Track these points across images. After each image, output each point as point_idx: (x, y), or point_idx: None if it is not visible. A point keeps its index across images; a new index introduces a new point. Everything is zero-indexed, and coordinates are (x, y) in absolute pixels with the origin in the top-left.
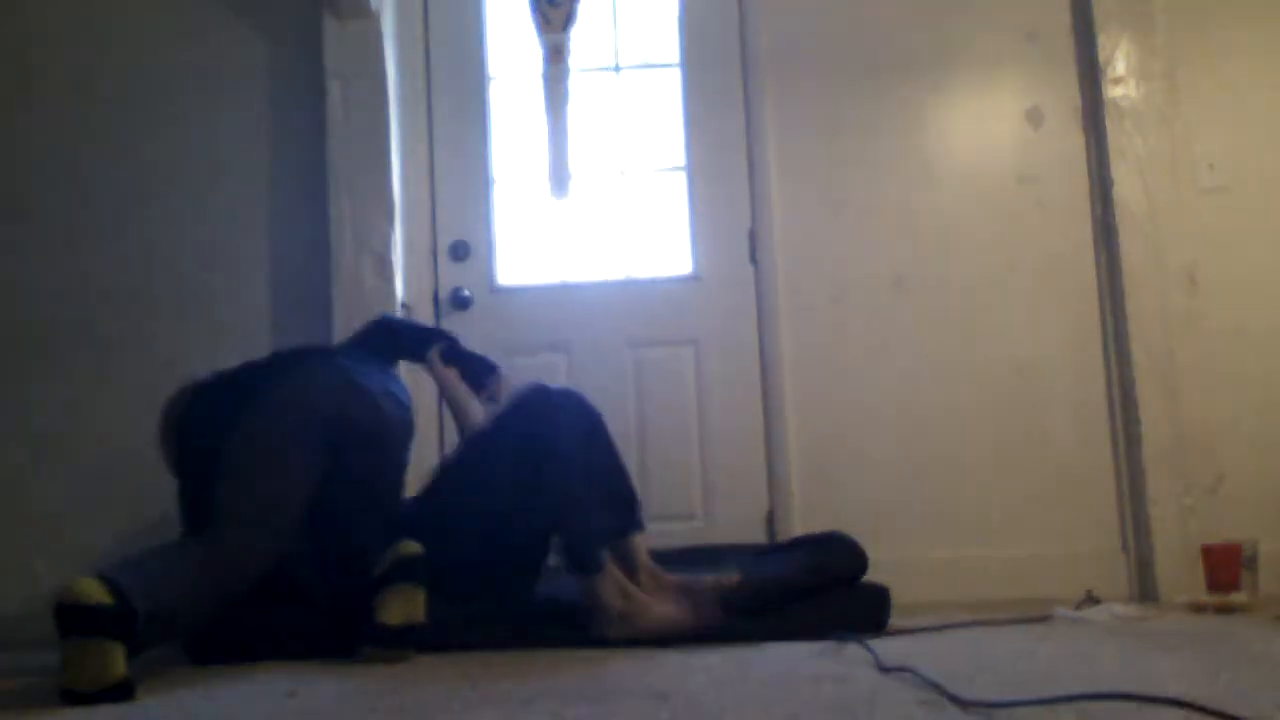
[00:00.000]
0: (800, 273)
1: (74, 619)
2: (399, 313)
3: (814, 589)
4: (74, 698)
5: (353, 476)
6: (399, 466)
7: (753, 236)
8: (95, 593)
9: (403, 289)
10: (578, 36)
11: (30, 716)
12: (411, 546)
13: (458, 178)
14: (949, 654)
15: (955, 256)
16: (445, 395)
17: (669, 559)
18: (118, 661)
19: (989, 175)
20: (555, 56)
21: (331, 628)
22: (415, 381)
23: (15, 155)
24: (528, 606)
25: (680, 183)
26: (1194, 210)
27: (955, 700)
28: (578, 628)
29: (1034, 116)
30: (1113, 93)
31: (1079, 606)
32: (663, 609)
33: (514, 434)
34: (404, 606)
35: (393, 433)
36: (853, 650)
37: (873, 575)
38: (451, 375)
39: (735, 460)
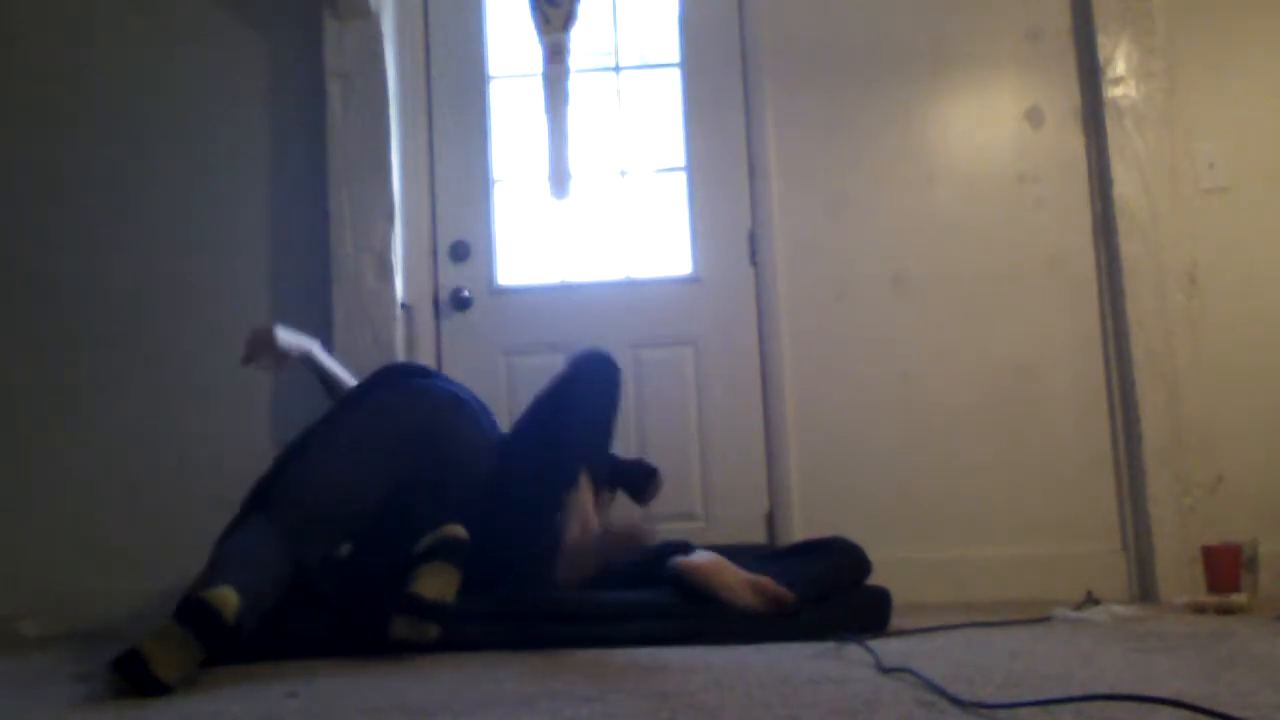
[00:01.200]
0: (800, 273)
1: (197, 616)
2: (399, 313)
3: (820, 596)
4: (130, 660)
5: (422, 487)
6: (470, 500)
7: (753, 237)
8: (229, 610)
9: (403, 289)
10: (578, 36)
11: (32, 715)
12: (458, 529)
13: (458, 178)
14: (949, 654)
15: (955, 256)
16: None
17: None
18: (188, 666)
19: (989, 175)
20: (555, 56)
21: (337, 630)
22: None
23: (14, 156)
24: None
25: (680, 183)
26: (1194, 210)
27: (955, 701)
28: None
29: (1034, 116)
30: (1113, 93)
31: (1079, 607)
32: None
33: (552, 381)
34: (440, 583)
35: (479, 460)
36: (853, 651)
37: (873, 576)
38: None
39: (735, 460)
